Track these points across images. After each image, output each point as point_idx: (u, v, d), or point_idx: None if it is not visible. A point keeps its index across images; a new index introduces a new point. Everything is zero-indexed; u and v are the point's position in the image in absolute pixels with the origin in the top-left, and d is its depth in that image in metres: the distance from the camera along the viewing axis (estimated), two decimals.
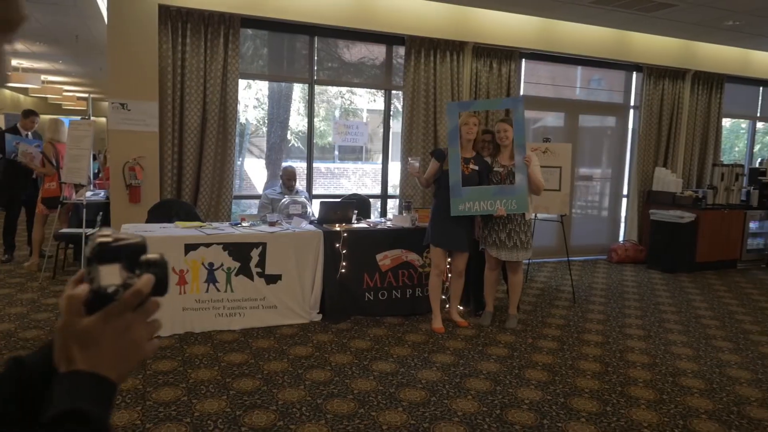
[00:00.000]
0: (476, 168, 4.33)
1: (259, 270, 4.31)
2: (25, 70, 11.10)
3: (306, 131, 6.17)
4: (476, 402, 3.18)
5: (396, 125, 6.62)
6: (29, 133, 6.20)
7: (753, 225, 7.45)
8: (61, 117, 7.23)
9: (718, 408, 3.22)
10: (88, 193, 5.79)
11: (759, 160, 8.41)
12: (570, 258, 6.03)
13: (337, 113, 10.37)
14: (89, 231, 5.06)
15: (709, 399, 3.33)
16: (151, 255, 0.64)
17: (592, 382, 3.53)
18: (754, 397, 3.38)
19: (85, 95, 15.72)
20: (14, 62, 10.44)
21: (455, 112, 4.44)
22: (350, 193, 6.36)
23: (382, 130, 6.49)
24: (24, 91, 14.11)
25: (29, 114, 6.29)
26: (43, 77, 12.00)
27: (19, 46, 8.86)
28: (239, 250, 4.24)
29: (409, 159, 4.80)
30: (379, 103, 6.90)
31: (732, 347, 4.28)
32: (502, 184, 4.33)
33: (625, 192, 7.85)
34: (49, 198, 5.75)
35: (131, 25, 5.03)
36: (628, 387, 3.46)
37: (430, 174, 4.45)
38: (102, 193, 6.25)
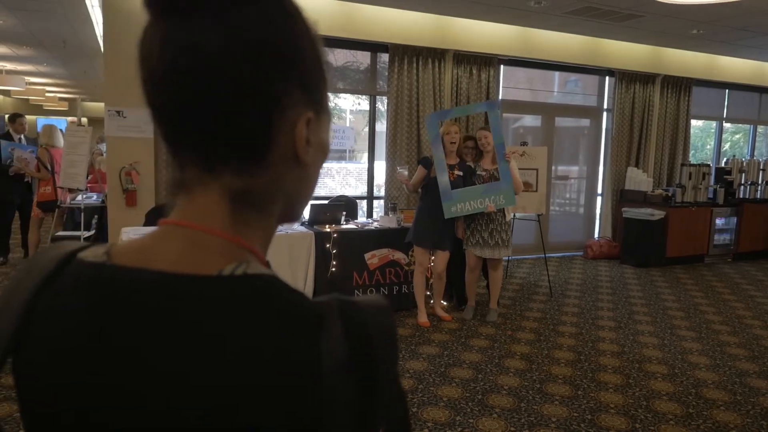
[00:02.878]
0: (460, 174, 4.62)
1: None
2: (9, 72, 11.14)
3: None
4: (460, 388, 3.47)
5: (380, 125, 6.88)
6: (22, 137, 6.34)
7: (719, 221, 7.87)
8: (52, 119, 7.36)
9: (678, 390, 3.55)
10: (80, 197, 5.96)
11: (725, 159, 8.84)
12: (547, 255, 6.36)
13: None
14: (86, 234, 5.25)
15: (671, 383, 3.67)
16: None
17: (566, 369, 3.84)
18: (711, 380, 3.72)
19: (67, 96, 15.71)
20: None
21: (435, 122, 4.73)
22: (336, 194, 6.60)
23: (366, 129, 6.76)
24: (6, 93, 14.09)
25: (16, 117, 6.42)
26: (26, 79, 12.03)
27: (6, 49, 8.93)
28: None
29: (398, 168, 5.07)
30: (364, 105, 7.16)
31: (695, 336, 4.63)
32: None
33: (599, 191, 8.22)
34: (45, 202, 5.92)
35: (127, 35, 5.20)
36: (598, 373, 3.78)
37: (417, 180, 4.73)
38: (95, 196, 6.42)
